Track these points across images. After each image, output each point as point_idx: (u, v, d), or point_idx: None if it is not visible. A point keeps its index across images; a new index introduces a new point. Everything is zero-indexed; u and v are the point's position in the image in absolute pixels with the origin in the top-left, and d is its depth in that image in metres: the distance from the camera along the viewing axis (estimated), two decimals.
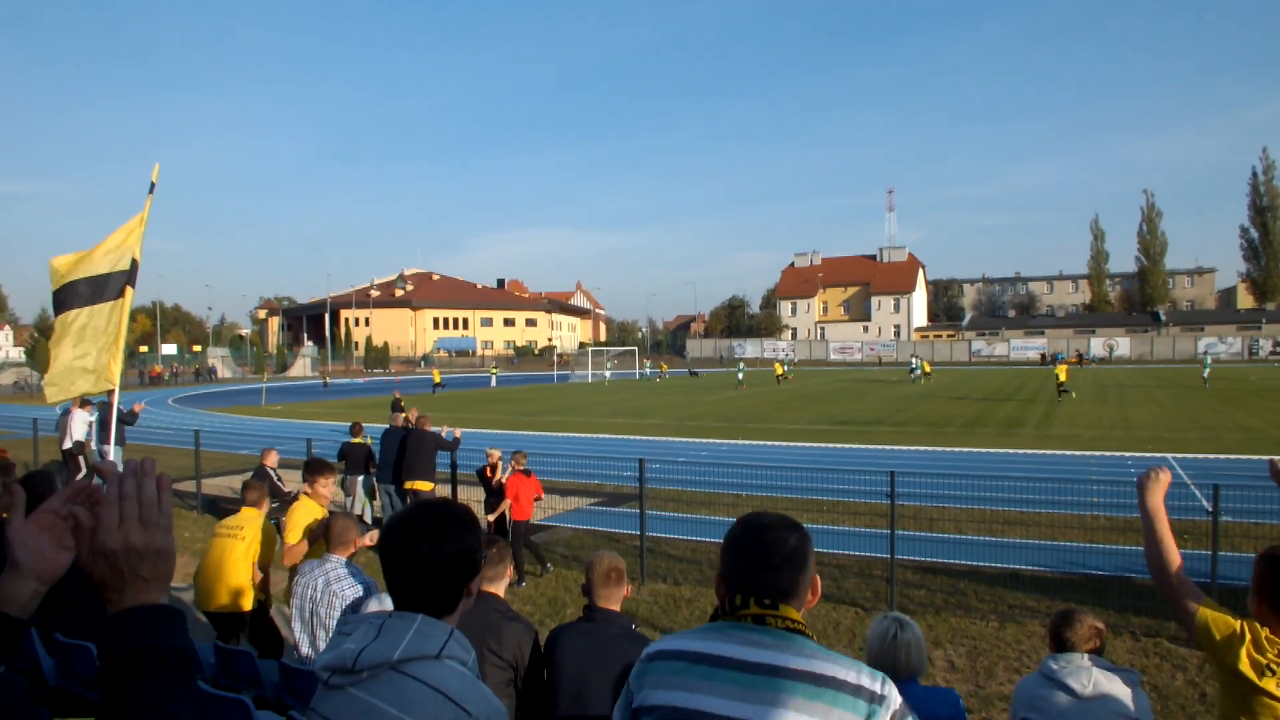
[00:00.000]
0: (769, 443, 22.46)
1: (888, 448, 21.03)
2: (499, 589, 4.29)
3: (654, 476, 11.10)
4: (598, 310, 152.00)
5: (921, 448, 20.91)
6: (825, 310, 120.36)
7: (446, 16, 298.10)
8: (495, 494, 10.76)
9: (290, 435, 22.05)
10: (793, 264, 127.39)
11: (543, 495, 10.78)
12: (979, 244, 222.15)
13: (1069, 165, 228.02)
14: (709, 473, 15.57)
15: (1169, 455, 18.14)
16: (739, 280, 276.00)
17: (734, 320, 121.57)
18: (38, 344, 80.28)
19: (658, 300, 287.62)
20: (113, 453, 12.25)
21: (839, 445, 21.60)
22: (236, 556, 6.41)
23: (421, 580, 1.85)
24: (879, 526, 10.31)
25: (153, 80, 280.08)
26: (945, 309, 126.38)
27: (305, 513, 6.32)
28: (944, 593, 9.15)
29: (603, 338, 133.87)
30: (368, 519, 12.28)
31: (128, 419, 15.46)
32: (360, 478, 12.36)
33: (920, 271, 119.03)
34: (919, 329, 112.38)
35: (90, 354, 7.72)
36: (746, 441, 22.71)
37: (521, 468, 10.39)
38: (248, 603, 6.39)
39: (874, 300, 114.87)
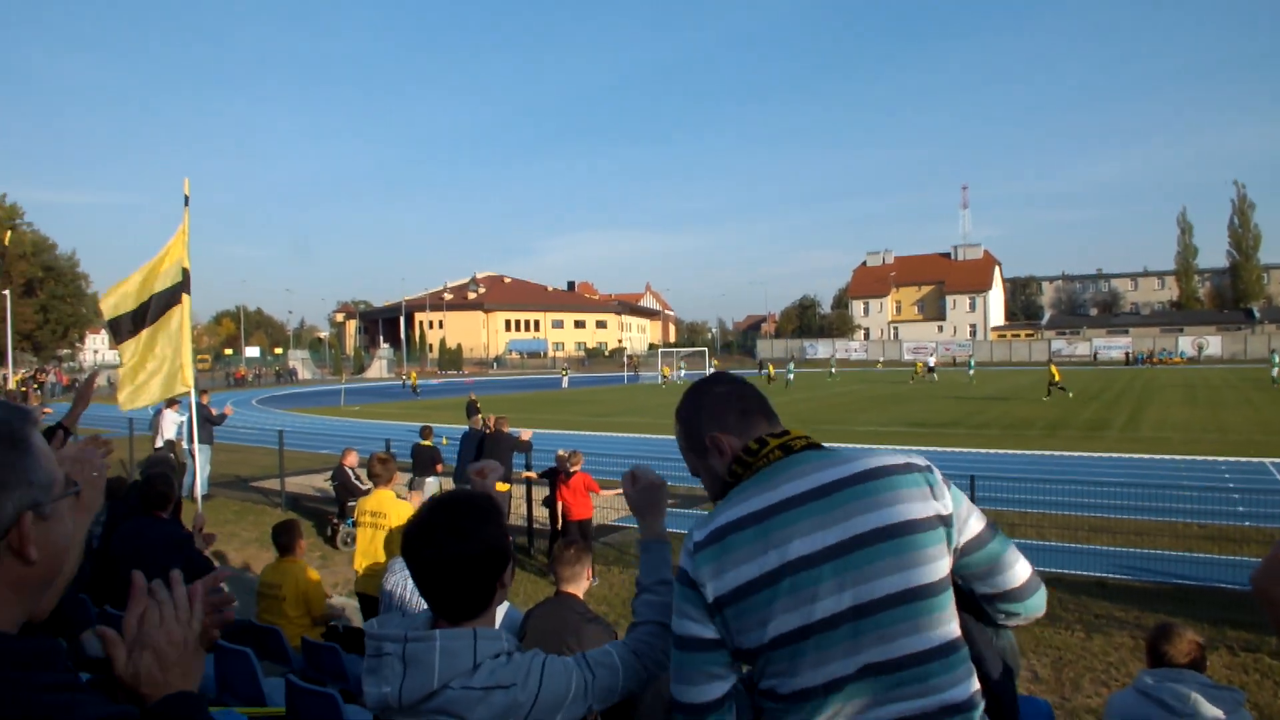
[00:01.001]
0: (842, 445, 22.16)
1: (965, 450, 20.60)
2: (579, 590, 4.32)
3: None
4: (667, 311, 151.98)
5: (1001, 450, 20.43)
6: (899, 310, 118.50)
7: (512, 23, 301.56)
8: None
9: (368, 436, 22.55)
10: (864, 263, 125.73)
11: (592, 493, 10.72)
12: (1058, 240, 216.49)
13: (1153, 157, 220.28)
14: None
15: (1267, 460, 17.43)
16: (809, 280, 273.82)
17: (805, 320, 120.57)
18: None
19: (727, 300, 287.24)
20: (200, 451, 12.78)
21: (915, 448, 21.14)
22: (275, 619, 6.09)
23: (451, 582, 1.81)
24: None
25: (233, 94, 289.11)
26: (1023, 308, 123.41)
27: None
28: None
29: (672, 339, 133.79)
30: None
31: (217, 420, 16.08)
32: (429, 479, 12.57)
33: (996, 269, 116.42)
34: (996, 328, 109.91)
35: (159, 361, 8.18)
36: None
37: (575, 468, 10.42)
38: (311, 635, 6.19)
39: (949, 299, 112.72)
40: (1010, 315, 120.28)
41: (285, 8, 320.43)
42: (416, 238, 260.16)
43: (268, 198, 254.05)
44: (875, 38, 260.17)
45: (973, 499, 8.26)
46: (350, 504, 12.13)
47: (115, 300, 8.37)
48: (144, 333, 8.30)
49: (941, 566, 1.67)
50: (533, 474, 11.01)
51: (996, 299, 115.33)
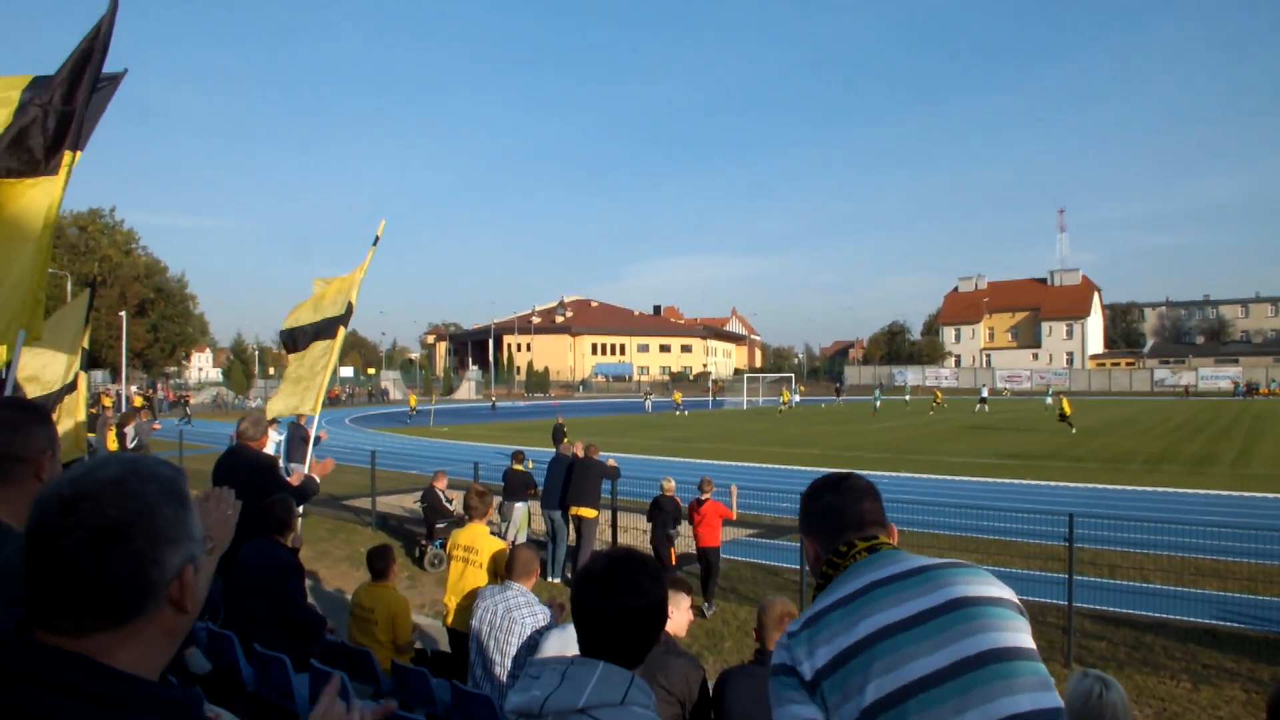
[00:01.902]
0: (931, 476, 21.68)
1: (1061, 484, 19.91)
2: (668, 624, 4.31)
3: None
4: (753, 336, 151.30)
5: (1100, 485, 19.68)
6: (991, 336, 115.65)
7: (596, 46, 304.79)
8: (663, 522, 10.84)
9: (457, 457, 22.96)
10: (956, 288, 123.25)
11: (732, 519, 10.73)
12: (1161, 265, 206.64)
13: (1266, 176, 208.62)
14: None
15: None
16: (898, 305, 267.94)
17: (894, 347, 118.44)
18: (233, 366, 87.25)
19: (814, 326, 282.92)
20: (299, 469, 13.20)
21: (1008, 481, 20.62)
22: (368, 641, 6.11)
23: (618, 633, 1.91)
24: (1054, 570, 9.76)
25: (329, 121, 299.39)
26: (1124, 335, 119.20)
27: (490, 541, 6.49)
28: (1128, 646, 8.56)
29: (758, 363, 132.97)
30: (521, 541, 12.53)
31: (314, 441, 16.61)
32: (519, 504, 12.68)
33: (1095, 295, 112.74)
34: (1094, 356, 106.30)
35: (302, 382, 9.09)
36: (908, 474, 22.01)
37: (703, 496, 10.38)
38: (401, 659, 6.18)
39: (1044, 326, 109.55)
40: (1110, 343, 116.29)
41: (369, 30, 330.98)
42: (505, 262, 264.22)
43: (360, 220, 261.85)
44: (965, 58, 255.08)
45: (1070, 539, 7.97)
46: (439, 525, 12.36)
47: (295, 314, 9.36)
48: (306, 350, 9.24)
49: (1028, 639, 1.75)
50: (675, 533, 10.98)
51: (1095, 326, 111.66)
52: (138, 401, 45.95)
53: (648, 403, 61.78)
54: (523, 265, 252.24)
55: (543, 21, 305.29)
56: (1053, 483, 20.29)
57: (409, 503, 16.40)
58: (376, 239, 9.40)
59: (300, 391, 9.02)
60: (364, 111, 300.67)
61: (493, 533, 6.91)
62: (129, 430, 22.25)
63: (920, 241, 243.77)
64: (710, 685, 4.10)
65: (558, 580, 11.62)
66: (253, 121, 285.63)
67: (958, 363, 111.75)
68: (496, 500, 12.97)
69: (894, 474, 22.11)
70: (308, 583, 11.43)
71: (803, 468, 23.66)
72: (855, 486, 2.07)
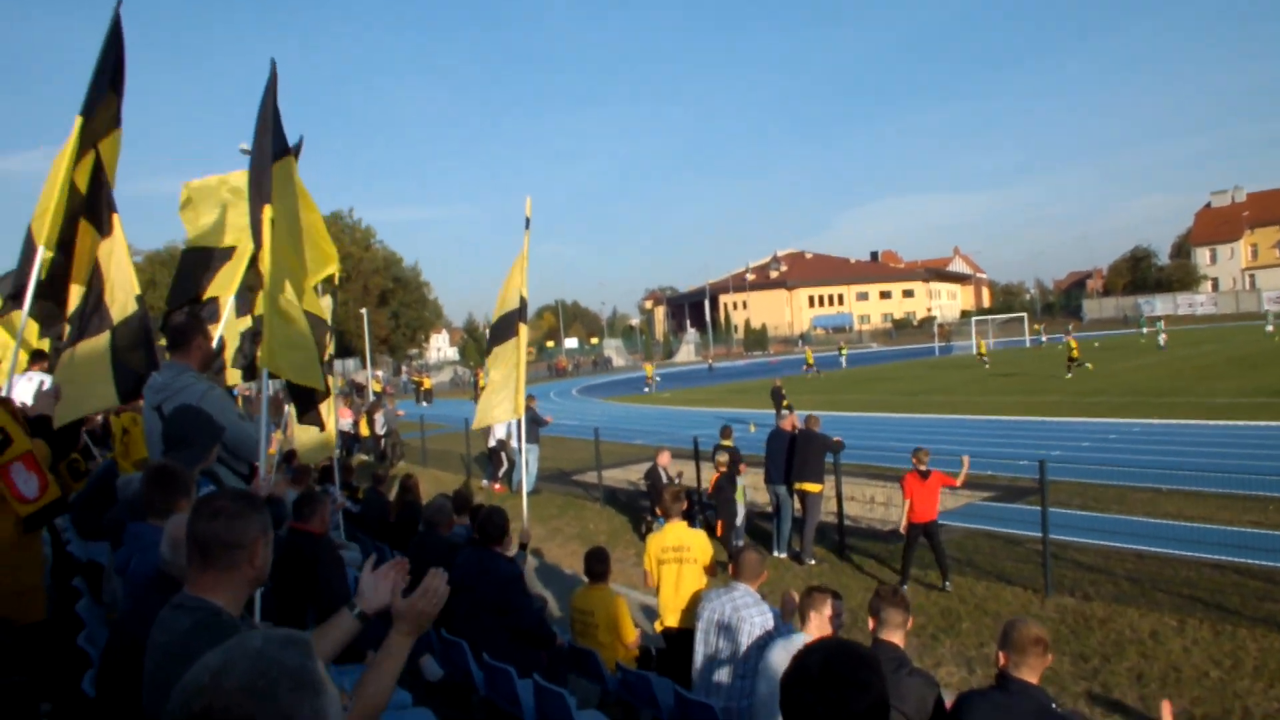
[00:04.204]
0: (1190, 421, 19.60)
1: None
2: (899, 638, 4.05)
3: (1055, 466, 9.96)
4: (979, 275, 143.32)
5: None
6: (1255, 254, 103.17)
7: None
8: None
9: (678, 427, 23.19)
10: (1208, 204, 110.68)
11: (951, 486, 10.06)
12: None
13: None
14: (1121, 461, 13.89)
15: None
16: (1140, 229, 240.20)
17: (1139, 274, 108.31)
18: (467, 345, 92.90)
19: (1046, 258, 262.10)
20: (529, 450, 13.93)
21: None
22: (590, 643, 6.21)
23: None
24: None
25: (543, 107, 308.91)
26: None
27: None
28: None
29: (986, 304, 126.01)
30: (741, 516, 12.35)
31: (541, 424, 17.55)
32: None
33: None
34: None
35: (499, 388, 9.38)
36: (1161, 420, 20.06)
37: (923, 467, 9.85)
38: (625, 658, 6.27)
39: None
40: None
41: (578, 5, 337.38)
42: (717, 222, 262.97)
43: (579, 198, 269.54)
44: None
45: None
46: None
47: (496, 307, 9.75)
48: (494, 352, 9.59)
49: None
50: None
51: None
52: (427, 383, 52.77)
53: (843, 359, 56.58)
54: (734, 224, 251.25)
55: None
56: None
57: (635, 476, 16.73)
58: (527, 220, 9.25)
59: (503, 398, 9.27)
60: (580, 85, 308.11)
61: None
62: (378, 417, 24.13)
63: (1161, 158, 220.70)
64: (945, 698, 3.83)
65: (783, 555, 11.47)
66: (473, 111, 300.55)
67: (1215, 287, 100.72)
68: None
69: (1145, 420, 20.25)
70: (533, 563, 11.93)
71: (1043, 418, 22.16)
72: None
